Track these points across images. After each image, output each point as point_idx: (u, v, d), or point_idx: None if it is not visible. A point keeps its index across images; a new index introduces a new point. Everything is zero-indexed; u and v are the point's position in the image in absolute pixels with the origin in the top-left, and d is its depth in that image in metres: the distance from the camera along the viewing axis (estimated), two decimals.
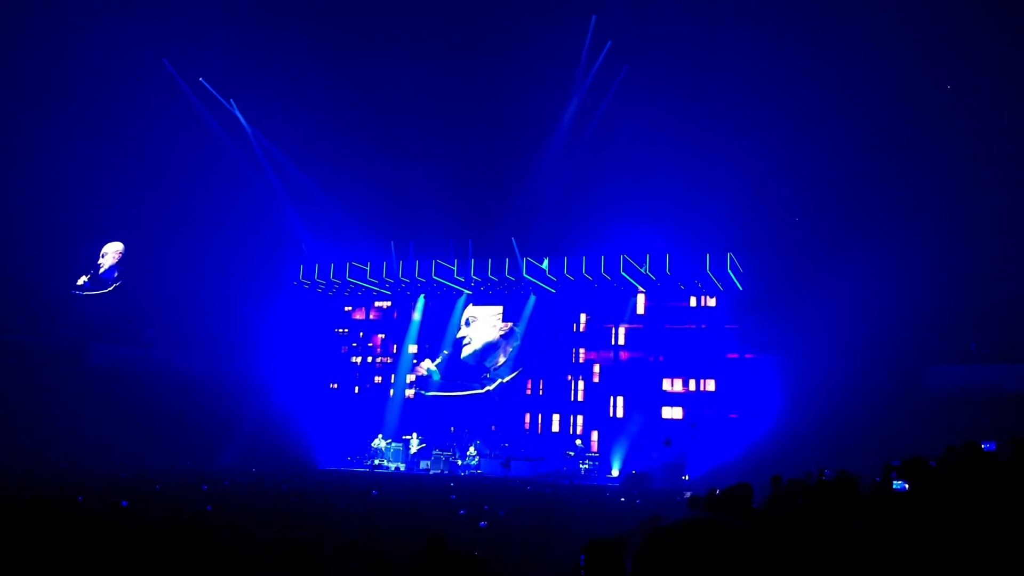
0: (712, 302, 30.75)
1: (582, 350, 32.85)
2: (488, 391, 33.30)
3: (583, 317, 33.00)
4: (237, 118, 34.04)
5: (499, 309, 34.17)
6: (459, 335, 34.47)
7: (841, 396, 24.82)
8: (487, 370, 33.56)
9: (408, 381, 35.00)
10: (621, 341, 31.94)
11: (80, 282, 36.14)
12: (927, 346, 26.33)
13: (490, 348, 33.89)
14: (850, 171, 27.77)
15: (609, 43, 30.79)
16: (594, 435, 31.50)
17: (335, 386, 35.99)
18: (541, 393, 32.95)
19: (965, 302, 25.73)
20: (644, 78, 29.70)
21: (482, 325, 34.25)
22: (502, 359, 33.52)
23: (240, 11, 30.48)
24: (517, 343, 33.48)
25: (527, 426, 32.70)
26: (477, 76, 31.19)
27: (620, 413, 31.16)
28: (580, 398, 32.34)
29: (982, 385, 24.86)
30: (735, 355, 29.80)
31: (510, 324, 33.80)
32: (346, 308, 36.88)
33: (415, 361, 35.11)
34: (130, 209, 34.82)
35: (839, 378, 25.27)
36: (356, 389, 35.98)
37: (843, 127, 27.34)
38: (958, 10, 25.22)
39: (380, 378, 35.84)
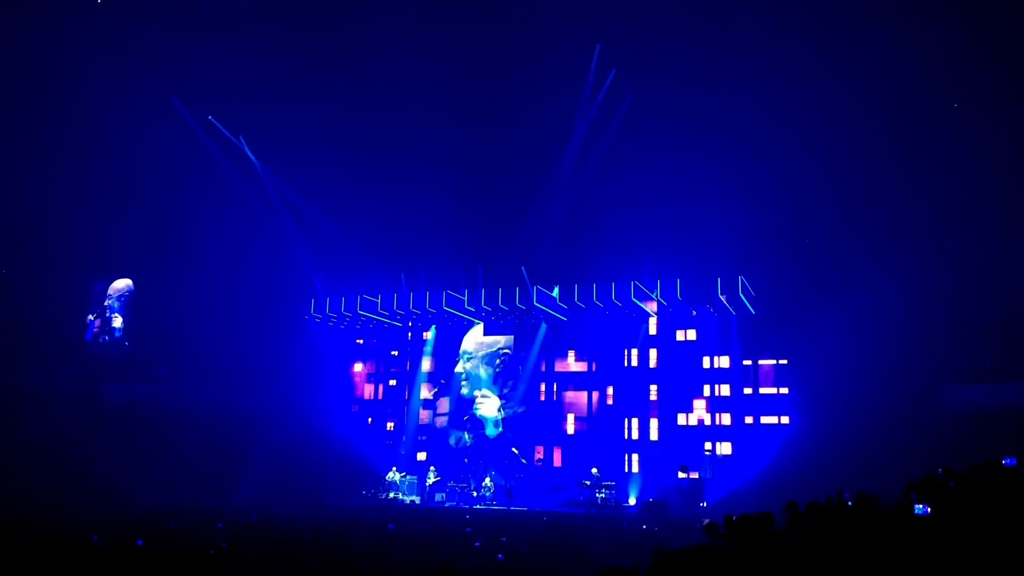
0: (725, 331, 30.41)
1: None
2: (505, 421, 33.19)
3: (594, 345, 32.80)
4: (246, 154, 34.32)
5: (503, 339, 34.14)
6: (456, 370, 34.55)
7: (857, 416, 24.66)
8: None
9: (422, 398, 34.92)
10: (634, 363, 31.65)
11: (91, 318, 36.46)
12: (942, 365, 26.12)
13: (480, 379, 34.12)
14: (860, 191, 27.71)
15: (614, 71, 31.02)
16: (603, 466, 31.05)
17: (356, 408, 36.00)
18: (569, 432, 32.53)
19: (979, 320, 25.58)
20: (650, 104, 29.82)
21: (475, 360, 34.45)
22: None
23: (248, 48, 30.78)
24: (507, 353, 33.62)
25: (541, 455, 32.43)
26: (484, 105, 31.41)
27: (636, 435, 30.87)
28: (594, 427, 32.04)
29: (999, 403, 24.61)
30: (750, 383, 29.56)
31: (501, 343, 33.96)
32: (358, 341, 36.92)
33: (427, 385, 35.06)
34: (140, 246, 35.04)
35: (855, 399, 25.12)
36: (369, 420, 35.91)
37: (852, 144, 27.25)
38: (971, 21, 25.13)
39: (393, 423, 35.75)
